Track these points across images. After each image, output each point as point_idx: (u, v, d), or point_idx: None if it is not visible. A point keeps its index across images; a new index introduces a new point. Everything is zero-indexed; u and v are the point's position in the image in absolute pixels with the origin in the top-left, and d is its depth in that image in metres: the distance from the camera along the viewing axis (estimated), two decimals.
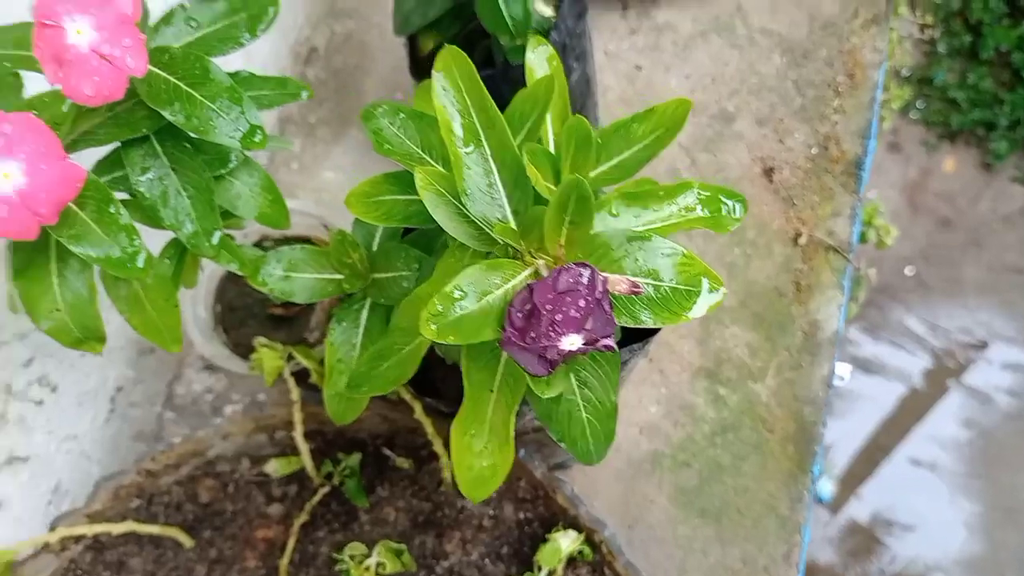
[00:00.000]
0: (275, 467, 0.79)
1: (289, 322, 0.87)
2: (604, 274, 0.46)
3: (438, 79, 0.50)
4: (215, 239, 0.56)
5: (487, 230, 0.51)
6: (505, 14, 0.76)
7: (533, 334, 0.45)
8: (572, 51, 0.88)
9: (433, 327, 0.46)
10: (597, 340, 0.46)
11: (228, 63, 0.57)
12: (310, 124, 1.09)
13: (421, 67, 0.88)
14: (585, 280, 0.45)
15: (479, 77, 0.51)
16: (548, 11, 0.83)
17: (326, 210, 0.85)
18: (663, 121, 0.55)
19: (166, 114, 0.52)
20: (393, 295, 0.65)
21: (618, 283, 0.46)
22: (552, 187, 0.50)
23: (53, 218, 0.49)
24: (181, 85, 0.53)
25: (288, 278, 0.66)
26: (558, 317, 0.44)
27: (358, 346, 0.67)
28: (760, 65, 1.08)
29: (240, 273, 0.62)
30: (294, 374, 0.77)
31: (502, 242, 0.51)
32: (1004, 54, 2.50)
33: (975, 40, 2.52)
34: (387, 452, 0.79)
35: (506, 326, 0.46)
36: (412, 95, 0.90)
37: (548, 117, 0.56)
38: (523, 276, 0.49)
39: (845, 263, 0.98)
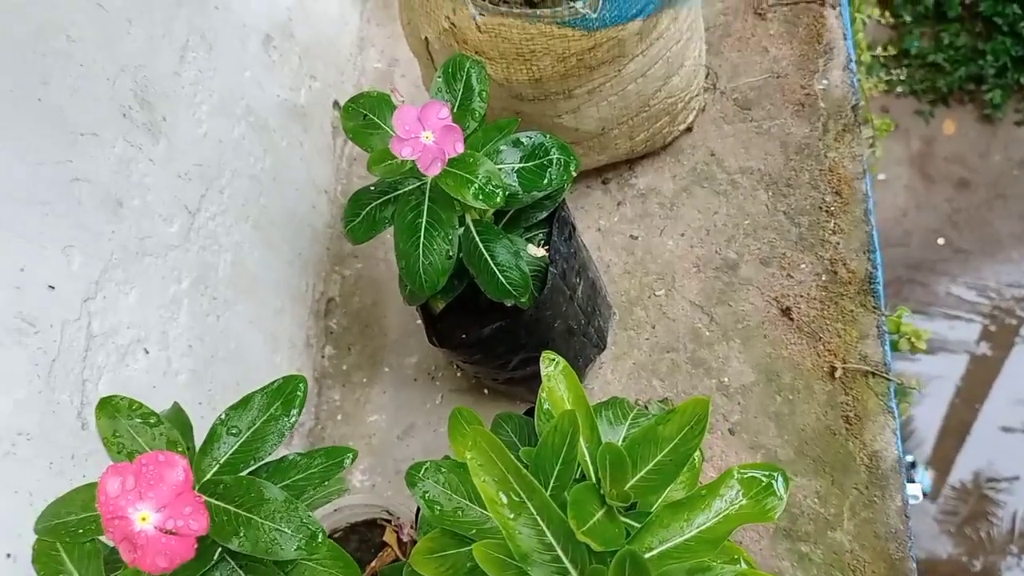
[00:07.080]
0: None
1: None
2: None
3: (473, 460, 0.54)
4: None
5: None
6: (505, 284, 0.81)
7: None
8: (572, 271, 0.92)
9: None
10: None
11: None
12: (344, 372, 1.14)
13: (437, 325, 0.92)
14: None
15: (506, 449, 0.54)
16: (540, 252, 0.87)
17: (382, 500, 0.89)
18: (686, 419, 0.58)
19: (233, 546, 0.56)
20: None
21: None
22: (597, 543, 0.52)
23: None
24: (241, 512, 0.57)
25: None
26: None
27: None
28: (748, 205, 1.10)
29: None
30: None
31: None
32: (970, 6, 2.49)
33: (938, 1, 2.52)
34: None
35: None
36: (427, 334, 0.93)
37: (580, 443, 0.58)
38: None
39: (887, 384, 0.99)
